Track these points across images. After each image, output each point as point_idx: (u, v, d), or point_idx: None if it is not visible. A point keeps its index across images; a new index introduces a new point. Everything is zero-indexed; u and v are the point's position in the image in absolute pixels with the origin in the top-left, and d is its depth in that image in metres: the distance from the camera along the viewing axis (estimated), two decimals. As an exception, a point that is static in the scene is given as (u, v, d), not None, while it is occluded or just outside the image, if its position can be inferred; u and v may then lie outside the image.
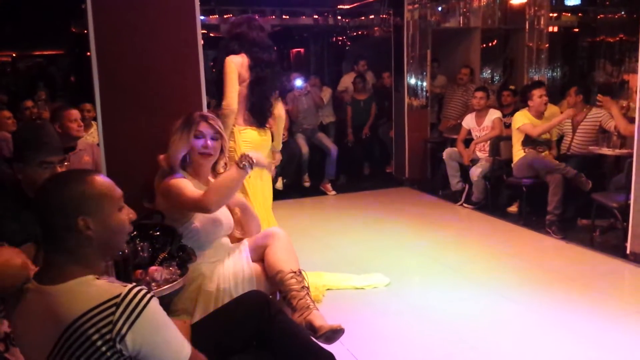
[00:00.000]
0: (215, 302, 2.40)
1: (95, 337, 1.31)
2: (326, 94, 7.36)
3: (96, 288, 1.38)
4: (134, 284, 1.41)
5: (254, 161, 2.41)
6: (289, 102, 6.78)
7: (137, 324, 1.33)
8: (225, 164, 2.70)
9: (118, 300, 1.34)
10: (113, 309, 1.33)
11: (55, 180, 1.48)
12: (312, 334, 2.24)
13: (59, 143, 2.42)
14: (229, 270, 2.50)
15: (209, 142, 2.55)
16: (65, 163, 2.38)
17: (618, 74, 7.30)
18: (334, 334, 2.27)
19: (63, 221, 1.40)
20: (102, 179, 1.48)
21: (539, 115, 5.33)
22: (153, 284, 2.12)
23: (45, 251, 1.45)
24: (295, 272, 2.41)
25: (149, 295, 1.37)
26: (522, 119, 5.31)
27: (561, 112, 5.48)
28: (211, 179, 2.68)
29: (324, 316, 2.32)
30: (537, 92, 5.35)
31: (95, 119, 5.12)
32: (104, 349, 1.32)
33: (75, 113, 3.64)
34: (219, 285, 2.45)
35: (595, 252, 4.43)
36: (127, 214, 1.53)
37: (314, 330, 2.26)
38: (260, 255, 2.58)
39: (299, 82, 6.88)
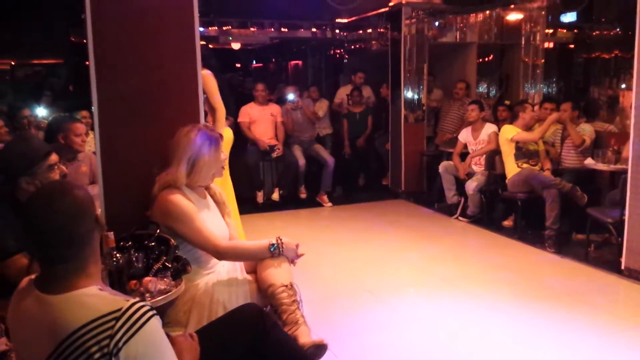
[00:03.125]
0: (209, 314, 2.40)
1: (94, 349, 1.30)
2: (323, 105, 7.39)
3: (99, 299, 1.37)
4: (137, 299, 1.39)
5: (284, 248, 2.49)
6: (283, 114, 6.81)
7: (133, 340, 1.31)
8: None
9: (118, 314, 1.32)
10: (113, 322, 1.31)
11: (55, 194, 1.42)
12: None
13: (49, 146, 2.56)
14: (222, 281, 2.50)
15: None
16: (61, 162, 2.44)
17: (613, 91, 7.36)
18: (317, 349, 2.29)
19: (88, 226, 1.41)
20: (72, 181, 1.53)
21: (527, 129, 5.42)
22: (147, 294, 2.11)
23: (50, 263, 1.41)
24: (286, 286, 2.42)
25: (150, 313, 1.36)
26: (512, 131, 5.37)
27: (559, 128, 5.55)
28: (213, 186, 2.72)
29: (310, 332, 2.34)
30: (529, 107, 5.46)
31: (92, 127, 5.16)
32: None
33: (81, 127, 3.68)
34: (212, 296, 2.45)
35: (590, 267, 4.44)
36: None
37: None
38: (253, 267, 2.58)
39: (290, 96, 6.92)
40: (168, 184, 2.51)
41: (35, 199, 1.46)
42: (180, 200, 2.45)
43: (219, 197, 2.74)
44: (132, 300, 1.36)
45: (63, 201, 1.40)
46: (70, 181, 1.53)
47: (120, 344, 1.30)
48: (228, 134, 3.47)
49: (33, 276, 1.47)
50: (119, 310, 1.33)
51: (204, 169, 2.53)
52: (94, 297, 1.37)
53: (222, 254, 2.49)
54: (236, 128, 6.73)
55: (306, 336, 2.31)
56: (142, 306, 1.36)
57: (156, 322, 1.37)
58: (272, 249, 2.47)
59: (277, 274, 2.45)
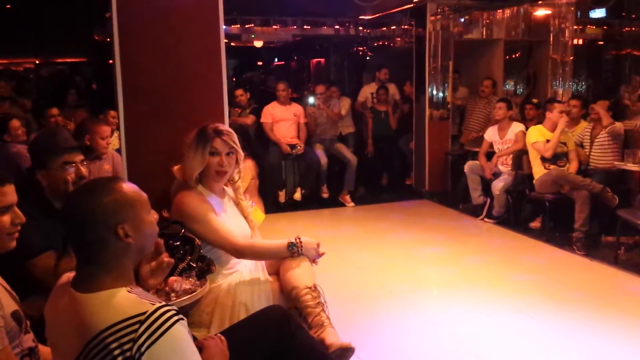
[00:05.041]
0: (231, 315, 2.39)
1: (117, 352, 1.29)
2: (345, 104, 7.32)
3: (126, 302, 1.35)
4: (164, 303, 1.36)
5: (303, 248, 2.45)
6: (306, 115, 6.77)
7: (156, 345, 1.29)
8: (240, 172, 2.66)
9: (143, 317, 1.30)
10: (137, 325, 1.29)
11: (83, 193, 1.43)
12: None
13: (76, 144, 2.49)
14: (245, 282, 2.49)
15: (224, 160, 2.50)
16: (84, 163, 2.39)
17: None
18: (344, 352, 2.26)
19: (99, 234, 1.38)
20: (129, 185, 1.46)
21: (555, 129, 5.25)
22: (172, 294, 2.10)
23: (78, 261, 1.42)
24: (310, 288, 2.39)
25: (175, 318, 1.32)
26: (535, 135, 5.24)
27: (588, 127, 5.42)
28: (226, 188, 2.67)
29: (337, 334, 2.31)
30: (558, 107, 5.30)
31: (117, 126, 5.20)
32: None
33: (107, 130, 3.65)
34: (235, 297, 2.44)
35: (619, 270, 4.33)
36: (153, 216, 1.51)
37: (325, 348, 2.23)
38: (275, 269, 2.56)
39: (310, 100, 6.87)
40: (181, 183, 2.52)
41: (77, 194, 1.46)
42: (193, 200, 2.45)
43: (234, 199, 2.70)
44: (158, 304, 1.33)
45: (100, 199, 1.38)
46: (94, 185, 1.47)
47: (143, 348, 1.28)
48: (260, 216, 3.32)
49: (73, 273, 1.47)
50: (144, 313, 1.31)
51: (188, 166, 2.48)
52: (121, 298, 1.36)
53: (241, 252, 2.46)
54: (259, 127, 6.73)
55: (333, 338, 2.28)
56: (168, 310, 1.33)
57: (181, 327, 1.33)
58: (290, 248, 2.44)
59: (300, 276, 2.42)
